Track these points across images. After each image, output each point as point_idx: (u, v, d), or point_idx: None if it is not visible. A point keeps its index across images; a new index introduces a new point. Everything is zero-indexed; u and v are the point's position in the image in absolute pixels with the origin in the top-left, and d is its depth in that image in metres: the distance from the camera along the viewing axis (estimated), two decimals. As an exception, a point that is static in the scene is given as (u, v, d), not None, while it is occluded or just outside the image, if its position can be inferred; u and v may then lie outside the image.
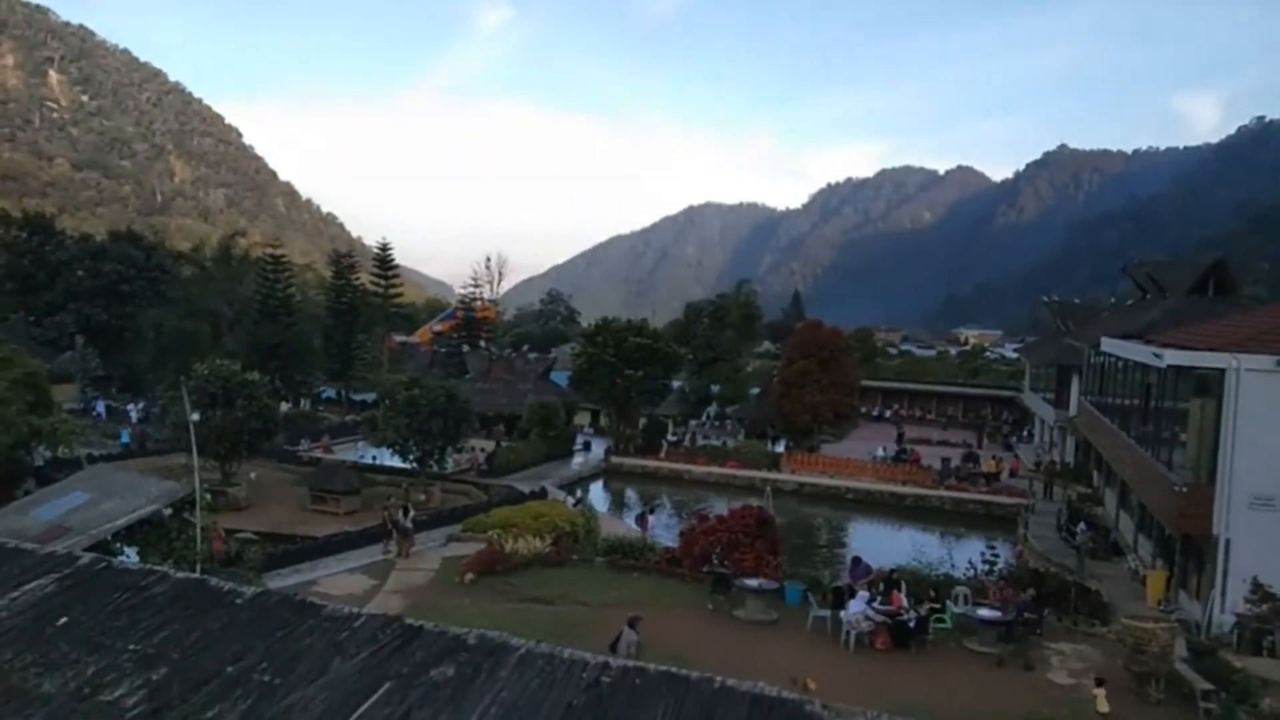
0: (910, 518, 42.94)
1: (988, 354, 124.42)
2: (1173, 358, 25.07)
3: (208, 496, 29.61)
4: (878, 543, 36.20)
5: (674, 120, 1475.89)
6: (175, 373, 42.49)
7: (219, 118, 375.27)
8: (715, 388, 66.20)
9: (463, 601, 23.94)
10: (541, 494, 38.19)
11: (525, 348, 75.87)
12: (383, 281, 76.30)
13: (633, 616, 18.84)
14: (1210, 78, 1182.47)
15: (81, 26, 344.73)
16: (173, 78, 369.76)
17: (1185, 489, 24.19)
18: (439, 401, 36.82)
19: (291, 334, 64.42)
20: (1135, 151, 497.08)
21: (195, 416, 28.78)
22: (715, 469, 48.34)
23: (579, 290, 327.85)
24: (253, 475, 38.40)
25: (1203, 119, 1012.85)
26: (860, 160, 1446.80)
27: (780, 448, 51.41)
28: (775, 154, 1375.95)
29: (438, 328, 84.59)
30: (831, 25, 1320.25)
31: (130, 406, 55.39)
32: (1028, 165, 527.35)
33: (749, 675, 4.79)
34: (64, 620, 5.25)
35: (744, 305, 78.68)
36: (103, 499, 26.76)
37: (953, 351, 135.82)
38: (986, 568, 27.66)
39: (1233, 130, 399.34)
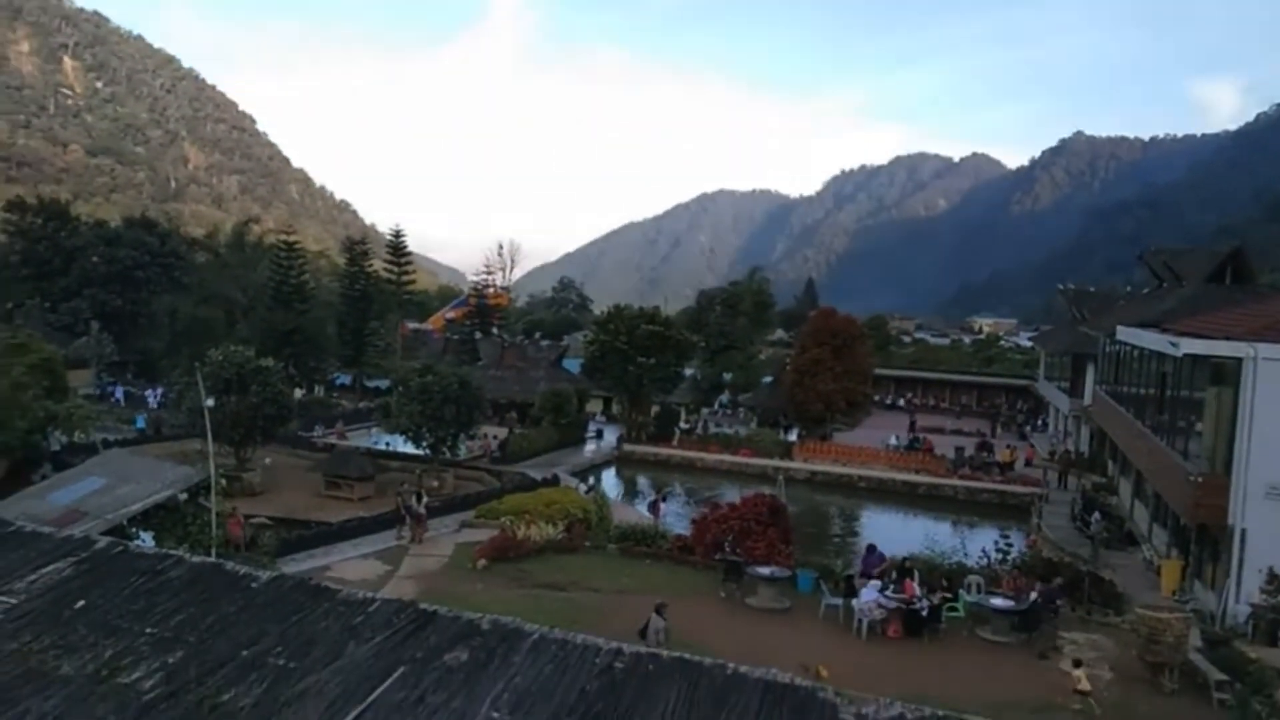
0: (923, 506, 42.85)
1: (1002, 342, 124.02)
2: (1189, 346, 24.88)
3: (223, 482, 29.75)
4: (890, 531, 36.12)
5: (686, 107, 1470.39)
6: (190, 359, 42.68)
7: (233, 104, 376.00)
8: (728, 376, 66.14)
9: (475, 587, 24.01)
10: (554, 481, 38.26)
11: (537, 335, 75.78)
12: (396, 268, 76.49)
13: (659, 603, 18.83)
14: (1229, 64, 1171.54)
15: (95, 13, 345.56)
16: (186, 64, 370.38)
17: (1201, 479, 24.04)
18: (452, 388, 36.91)
19: (305, 321, 64.68)
20: (1152, 139, 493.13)
21: (210, 402, 28.91)
22: (727, 457, 48.31)
23: (591, 278, 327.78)
24: (267, 461, 38.61)
25: (1221, 106, 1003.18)
26: (874, 147, 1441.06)
27: (793, 436, 51.34)
28: (789, 140, 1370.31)
29: (450, 315, 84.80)
30: (845, 9, 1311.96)
31: (149, 392, 55.65)
32: (1043, 152, 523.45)
33: (761, 663, 4.81)
34: (82, 603, 5.31)
35: (757, 293, 78.57)
36: (119, 484, 26.93)
37: (967, 340, 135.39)
38: (1000, 557, 27.58)
39: (1251, 117, 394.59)
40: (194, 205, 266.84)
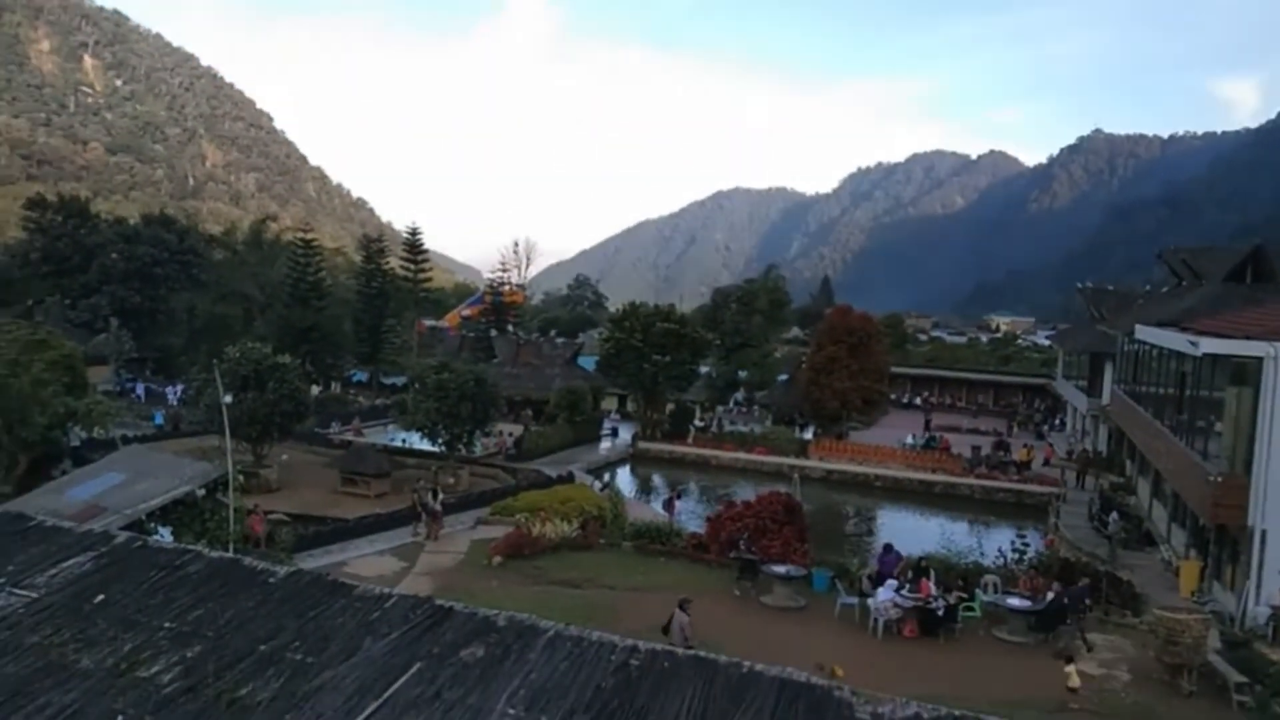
0: (939, 506, 42.67)
1: (1019, 341, 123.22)
2: (1209, 346, 24.67)
3: (240, 478, 29.93)
4: (906, 530, 35.99)
5: (702, 104, 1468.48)
6: (208, 355, 42.96)
7: (250, 102, 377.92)
8: (743, 373, 66.04)
9: (490, 584, 24.07)
10: (569, 478, 38.31)
11: (553, 333, 75.92)
12: (412, 266, 76.73)
13: (683, 599, 18.82)
14: (1250, 61, 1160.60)
15: (115, 11, 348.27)
16: (205, 62, 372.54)
17: (1220, 479, 23.84)
18: (468, 386, 37.02)
19: (322, 318, 65.02)
20: (1172, 136, 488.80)
21: (228, 399, 29.06)
22: (742, 455, 48.25)
23: (607, 275, 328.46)
24: (284, 457, 38.80)
25: (1242, 103, 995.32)
26: (891, 144, 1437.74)
27: (808, 434, 51.22)
28: (805, 138, 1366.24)
29: (466, 312, 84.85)
30: (863, 6, 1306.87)
31: (169, 389, 56.03)
32: (1061, 150, 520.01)
33: (776, 661, 4.80)
34: (101, 598, 5.35)
35: (772, 291, 78.41)
36: (137, 479, 27.14)
37: (984, 338, 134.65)
38: (1016, 557, 27.45)
39: (1273, 114, 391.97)
40: (212, 203, 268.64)
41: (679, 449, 50.01)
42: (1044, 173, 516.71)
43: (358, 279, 76.72)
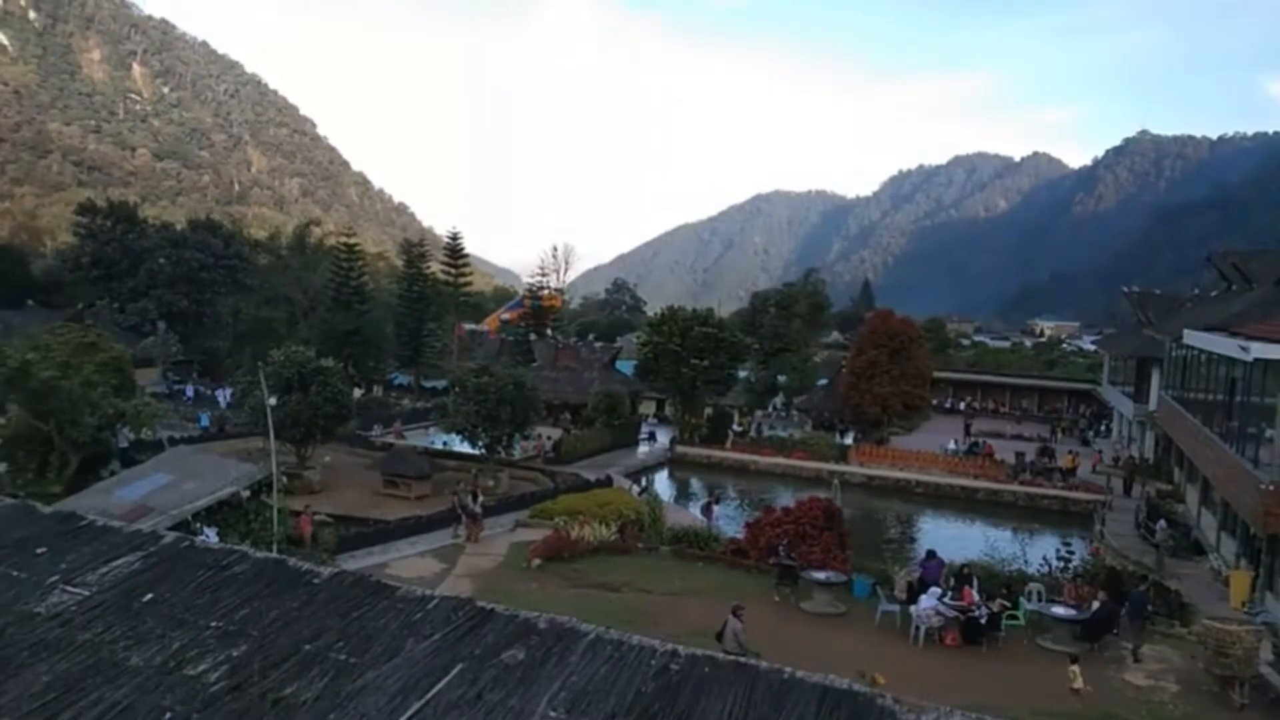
0: (982, 513, 42.16)
1: (1064, 346, 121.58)
2: (1260, 351, 24.18)
3: (284, 479, 30.31)
4: (948, 537, 35.58)
5: (741, 108, 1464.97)
6: (253, 358, 43.58)
7: (294, 108, 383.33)
8: (782, 378, 65.73)
9: (529, 586, 24.17)
10: (607, 482, 38.36)
11: (591, 336, 76.19)
12: (453, 270, 77.37)
13: (736, 605, 18.72)
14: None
15: (163, 20, 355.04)
16: (249, 69, 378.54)
17: (1272, 487, 23.31)
18: (507, 389, 37.22)
19: (364, 322, 65.72)
20: (1221, 137, 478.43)
21: (272, 401, 29.46)
22: (781, 460, 48.02)
23: (644, 279, 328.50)
24: (327, 459, 39.27)
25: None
26: (933, 147, 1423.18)
27: (848, 439, 50.87)
28: (845, 141, 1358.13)
29: (505, 316, 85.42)
30: (902, 8, 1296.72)
31: (218, 392, 56.87)
32: (1107, 152, 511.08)
33: (816, 668, 4.76)
34: (150, 596, 5.44)
35: (812, 294, 77.99)
36: (184, 480, 27.55)
37: (1028, 343, 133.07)
38: (1061, 565, 27.02)
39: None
40: (257, 208, 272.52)
41: (717, 453, 49.88)
42: (1089, 175, 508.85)
43: (399, 283, 77.49)
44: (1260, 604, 24.90)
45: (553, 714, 4.23)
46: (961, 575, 23.43)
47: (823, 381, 62.95)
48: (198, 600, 5.33)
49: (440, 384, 64.75)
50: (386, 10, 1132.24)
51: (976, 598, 22.02)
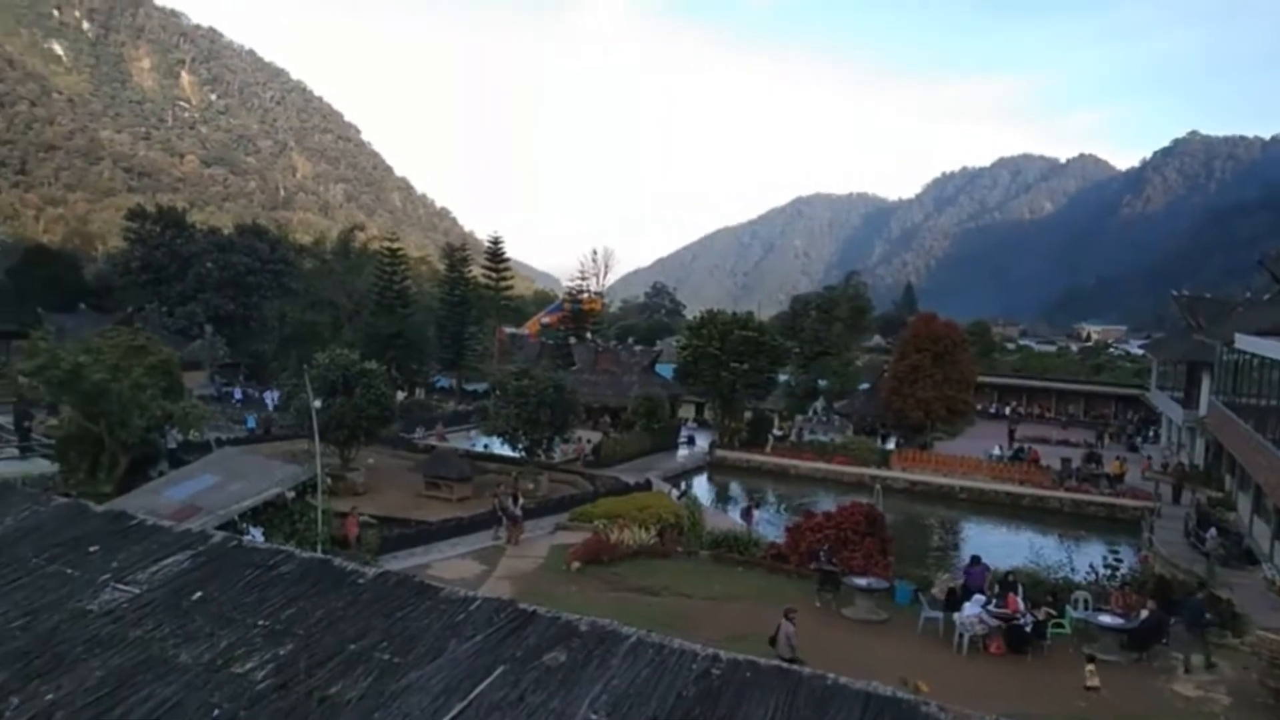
0: (1027, 519, 41.56)
1: (1111, 350, 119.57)
2: (1316, 355, 23.59)
3: (328, 481, 30.65)
4: (993, 544, 35.11)
5: (782, 111, 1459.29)
6: (298, 361, 44.13)
7: (338, 115, 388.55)
8: (823, 382, 65.31)
9: (569, 589, 24.21)
10: (646, 486, 38.34)
11: (630, 340, 76.21)
12: (494, 274, 77.89)
13: (789, 609, 18.68)
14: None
15: (211, 28, 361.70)
16: (295, 76, 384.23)
17: (1329, 495, 22.75)
18: (547, 392, 37.36)
19: (407, 325, 66.29)
20: (1274, 137, 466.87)
21: (317, 404, 29.82)
22: (822, 465, 47.70)
23: (684, 283, 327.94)
24: (370, 461, 39.66)
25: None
26: (977, 148, 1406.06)
27: (890, 444, 50.39)
28: (887, 143, 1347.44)
29: (545, 320, 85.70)
30: (946, 8, 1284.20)
31: (266, 394, 57.66)
32: (1155, 153, 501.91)
33: (858, 675, 4.71)
34: (199, 595, 5.53)
35: (854, 298, 77.47)
36: (231, 481, 27.92)
37: (1074, 347, 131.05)
38: (1108, 573, 26.54)
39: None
40: (302, 213, 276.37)
41: (757, 458, 49.66)
42: (1136, 176, 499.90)
43: (441, 287, 78.12)
44: (1316, 615, 24.26)
45: (594, 717, 4.23)
46: (1006, 582, 23.09)
47: (864, 386, 62.44)
48: (245, 599, 5.40)
49: (481, 387, 65.13)
50: (428, 17, 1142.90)
51: (1021, 605, 21.69)
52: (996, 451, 50.91)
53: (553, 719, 4.25)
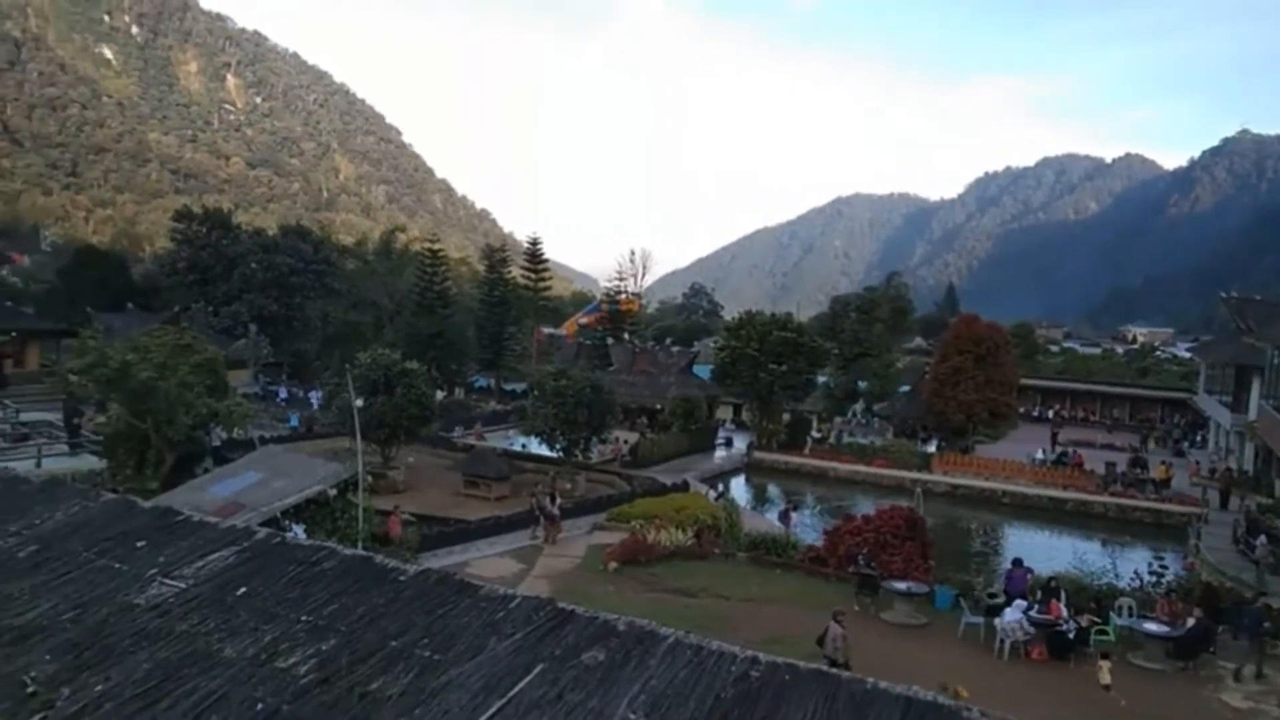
0: (1071, 524, 40.95)
1: (1158, 353, 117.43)
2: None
3: (369, 479, 30.95)
4: (1035, 549, 34.65)
5: (821, 111, 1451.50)
6: (340, 361, 44.64)
7: (380, 117, 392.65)
8: (863, 384, 64.82)
9: (606, 589, 24.24)
10: (683, 487, 38.29)
11: (668, 341, 76.18)
12: (532, 275, 78.29)
13: (837, 611, 18.60)
14: None
15: (256, 32, 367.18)
16: (338, 79, 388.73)
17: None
18: (584, 393, 37.46)
19: (447, 326, 66.82)
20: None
21: (359, 403, 30.14)
22: (861, 468, 47.34)
23: (722, 284, 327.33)
24: (410, 459, 40.02)
25: None
26: (1020, 148, 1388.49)
27: (931, 447, 49.88)
28: (928, 143, 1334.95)
29: (583, 320, 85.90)
30: (989, 5, 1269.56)
31: (312, 394, 58.37)
32: (1204, 152, 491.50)
33: (897, 679, 4.67)
34: (244, 590, 5.61)
35: (894, 299, 76.63)
36: (273, 478, 28.25)
37: (1119, 350, 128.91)
38: (1154, 579, 26.08)
39: None
40: (344, 214, 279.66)
41: (795, 460, 49.40)
42: (1185, 176, 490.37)
43: (481, 288, 78.68)
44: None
45: (632, 716, 4.24)
46: (1049, 588, 22.78)
47: (905, 388, 61.89)
48: (288, 595, 5.47)
49: (520, 387, 65.47)
50: (468, 19, 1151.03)
51: (1064, 611, 21.38)
52: (1040, 455, 50.20)
53: (591, 718, 4.26)
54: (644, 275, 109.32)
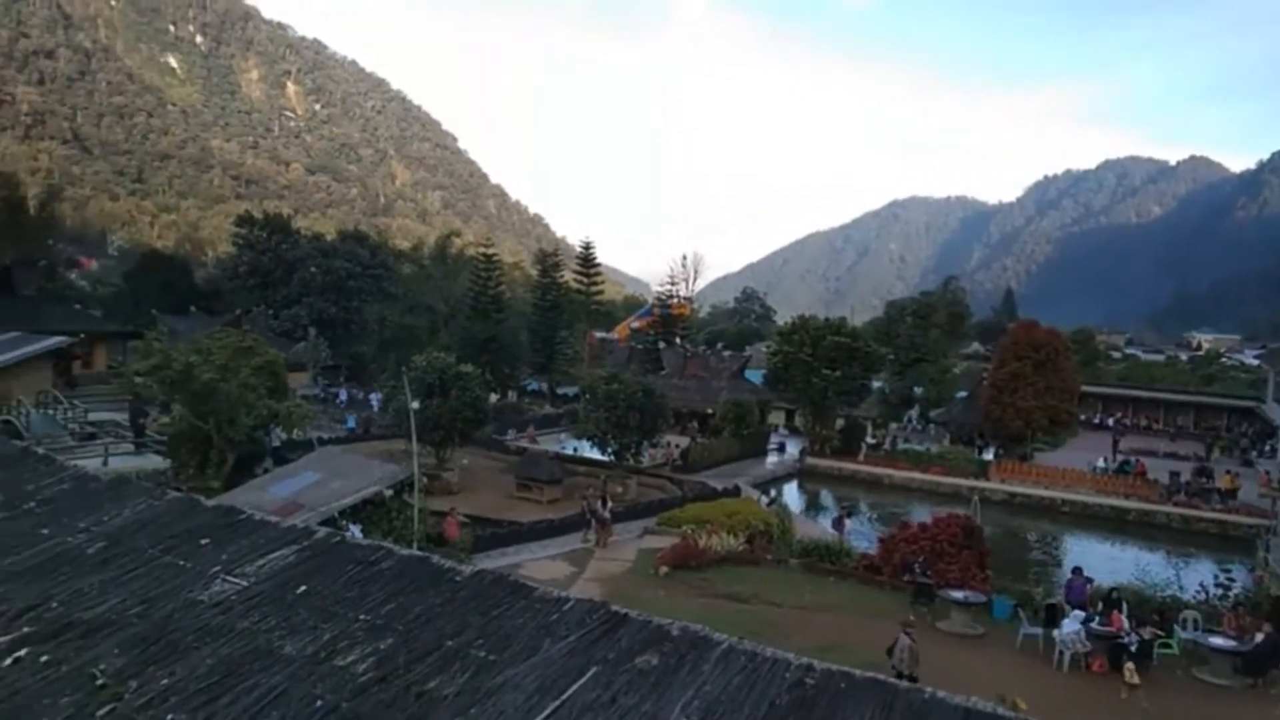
0: (1133, 535, 40.03)
1: (1224, 360, 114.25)
2: None
3: (424, 480, 31.31)
4: (1096, 559, 33.89)
5: (878, 112, 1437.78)
6: (396, 364, 45.22)
7: (436, 124, 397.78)
8: (918, 390, 64.01)
9: (658, 593, 24.23)
10: (735, 492, 38.16)
11: (720, 345, 76.14)
12: (585, 279, 78.62)
13: (906, 622, 18.42)
14: None
15: (315, 40, 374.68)
16: (394, 86, 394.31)
17: None
18: (636, 397, 37.50)
19: (501, 329, 67.35)
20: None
21: (415, 405, 30.52)
22: (917, 475, 46.75)
23: (774, 288, 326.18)
24: (464, 461, 40.41)
25: None
26: (1081, 151, 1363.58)
27: (989, 455, 49.10)
28: (987, 146, 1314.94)
29: (635, 324, 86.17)
30: (1051, 8, 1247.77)
31: (371, 395, 59.24)
32: (1273, 154, 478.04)
33: (954, 689, 4.58)
34: (303, 589, 5.69)
35: (951, 303, 75.61)
36: (331, 479, 28.70)
37: (1183, 356, 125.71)
38: (1220, 592, 25.35)
39: None
40: (401, 220, 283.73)
41: (849, 466, 48.94)
42: (1252, 179, 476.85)
43: (534, 292, 79.22)
44: None
45: (686, 721, 4.22)
46: (1110, 599, 22.27)
47: (962, 394, 61.00)
48: (347, 594, 5.55)
49: (572, 391, 65.77)
50: (523, 25, 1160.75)
51: (1126, 623, 20.88)
52: (1101, 464, 49.19)
53: (645, 722, 4.25)
54: (695, 279, 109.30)
